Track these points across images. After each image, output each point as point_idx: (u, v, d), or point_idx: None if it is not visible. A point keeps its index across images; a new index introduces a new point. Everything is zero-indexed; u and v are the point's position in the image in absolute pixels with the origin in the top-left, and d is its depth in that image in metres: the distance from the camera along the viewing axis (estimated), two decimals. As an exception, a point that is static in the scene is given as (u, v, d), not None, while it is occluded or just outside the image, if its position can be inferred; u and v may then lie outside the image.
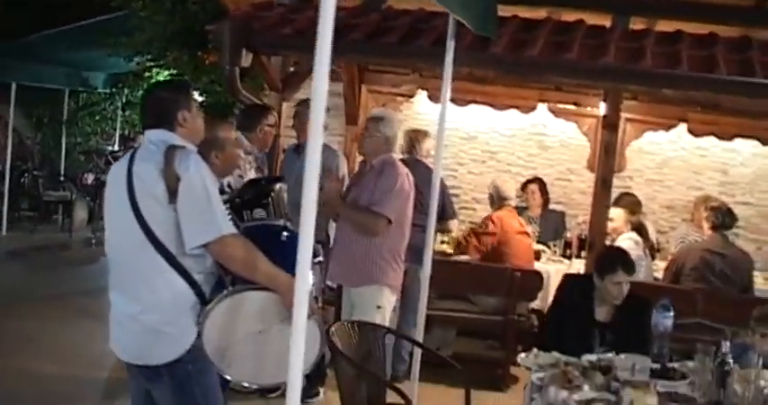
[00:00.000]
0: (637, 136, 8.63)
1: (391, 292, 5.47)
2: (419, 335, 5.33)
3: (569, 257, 8.04)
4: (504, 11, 6.21)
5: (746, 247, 7.83)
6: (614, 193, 7.17)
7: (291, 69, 7.79)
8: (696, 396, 3.90)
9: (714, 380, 3.86)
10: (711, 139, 8.54)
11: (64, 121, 15.15)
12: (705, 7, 6.82)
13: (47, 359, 6.75)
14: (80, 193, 13.47)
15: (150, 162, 3.37)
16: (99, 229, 11.12)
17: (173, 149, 3.37)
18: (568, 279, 5.33)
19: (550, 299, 5.77)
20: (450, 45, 5.19)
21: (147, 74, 14.00)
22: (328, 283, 5.97)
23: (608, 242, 6.99)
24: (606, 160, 6.82)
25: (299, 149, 6.66)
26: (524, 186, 8.55)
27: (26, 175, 13.97)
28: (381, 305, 5.38)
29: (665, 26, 6.88)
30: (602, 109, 7.26)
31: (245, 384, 3.75)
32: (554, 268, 7.47)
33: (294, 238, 2.88)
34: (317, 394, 5.98)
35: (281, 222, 4.05)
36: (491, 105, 8.40)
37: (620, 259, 4.83)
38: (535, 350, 4.36)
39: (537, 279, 6.84)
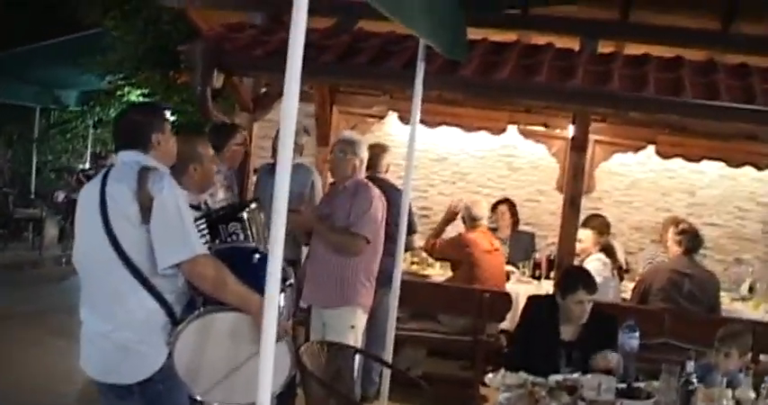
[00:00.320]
0: (606, 157, 8.64)
1: (363, 312, 5.48)
2: (388, 355, 5.34)
3: (538, 278, 8.05)
4: (474, 34, 6.28)
5: (713, 267, 7.90)
6: (583, 215, 7.23)
7: (263, 90, 7.81)
8: (661, 415, 3.96)
9: (679, 399, 3.92)
10: (679, 161, 8.61)
11: (35, 138, 15.10)
12: (672, 31, 6.97)
13: (17, 377, 6.71)
14: (51, 210, 13.36)
15: (124, 183, 3.40)
16: (70, 248, 10.97)
17: (146, 171, 3.40)
18: (533, 300, 5.33)
19: (518, 319, 5.80)
20: (421, 67, 5.24)
21: (119, 92, 13.97)
22: (301, 303, 5.96)
23: (576, 263, 7.02)
24: (574, 182, 6.89)
25: (275, 170, 6.64)
26: (494, 207, 8.54)
27: (-4, 192, 13.87)
28: (354, 325, 5.39)
29: (632, 49, 6.99)
30: (570, 131, 7.31)
31: (216, 405, 3.76)
32: (523, 289, 7.44)
33: (265, 259, 2.91)
34: (288, 414, 5.97)
35: (252, 244, 4.06)
36: (461, 127, 8.39)
37: (581, 279, 4.88)
38: (503, 370, 4.40)
39: (506, 300, 6.84)
